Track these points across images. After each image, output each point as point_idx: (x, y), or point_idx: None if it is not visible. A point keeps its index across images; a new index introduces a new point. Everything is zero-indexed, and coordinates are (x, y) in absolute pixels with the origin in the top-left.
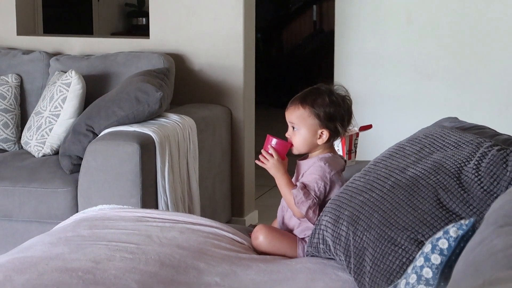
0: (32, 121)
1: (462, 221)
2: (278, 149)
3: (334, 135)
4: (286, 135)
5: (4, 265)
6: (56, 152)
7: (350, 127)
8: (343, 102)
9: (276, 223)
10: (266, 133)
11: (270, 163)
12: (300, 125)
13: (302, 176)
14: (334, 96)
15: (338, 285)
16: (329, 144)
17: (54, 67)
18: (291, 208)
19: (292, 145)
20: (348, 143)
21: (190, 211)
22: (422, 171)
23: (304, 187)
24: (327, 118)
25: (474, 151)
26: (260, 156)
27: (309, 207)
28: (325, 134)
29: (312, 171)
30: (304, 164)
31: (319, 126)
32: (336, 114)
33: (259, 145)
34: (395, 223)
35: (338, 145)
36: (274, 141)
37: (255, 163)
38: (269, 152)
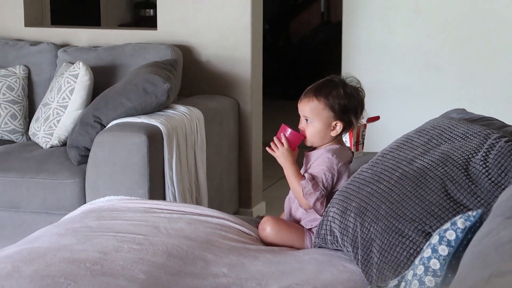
0: (39, 112)
1: (470, 213)
2: (291, 139)
3: (347, 127)
4: (299, 127)
5: (12, 256)
6: (64, 144)
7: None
8: (357, 94)
9: (284, 215)
10: (273, 124)
11: (280, 151)
12: (314, 118)
13: (309, 167)
14: (348, 88)
15: (346, 276)
16: (339, 135)
17: (62, 58)
18: (298, 199)
19: (305, 137)
20: (355, 134)
21: (198, 202)
22: (430, 163)
23: (313, 178)
24: (341, 110)
25: (482, 142)
26: (271, 143)
27: (317, 199)
28: (339, 126)
29: (319, 162)
30: (312, 156)
31: (333, 118)
32: (351, 106)
33: (267, 136)
34: (403, 214)
35: (345, 137)
36: (288, 131)
37: (266, 150)
38: (281, 140)
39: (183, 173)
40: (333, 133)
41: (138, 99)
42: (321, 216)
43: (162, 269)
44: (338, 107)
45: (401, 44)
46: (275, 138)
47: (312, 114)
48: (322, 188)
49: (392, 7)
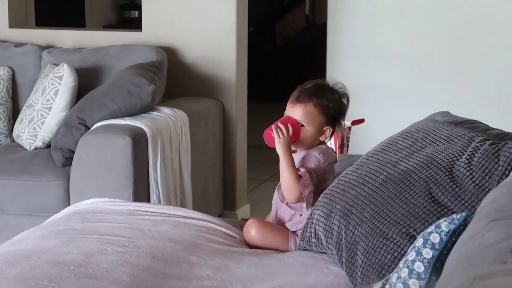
0: (24, 114)
1: (454, 216)
2: (294, 132)
3: (333, 131)
4: None
5: None
6: (48, 145)
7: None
8: (346, 99)
9: (269, 218)
10: (258, 126)
11: (285, 138)
12: (309, 122)
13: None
14: (338, 93)
15: (330, 279)
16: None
17: (46, 60)
18: (288, 191)
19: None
20: (340, 137)
21: (182, 204)
22: (414, 165)
23: (307, 172)
24: (333, 116)
25: (466, 145)
26: (276, 128)
27: (310, 191)
28: (328, 131)
29: (307, 160)
30: (298, 156)
31: (325, 123)
32: (342, 112)
33: (252, 138)
34: (387, 217)
35: (330, 139)
36: (294, 123)
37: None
38: (287, 128)
39: (168, 175)
40: (322, 138)
41: (123, 101)
42: (307, 209)
43: (146, 272)
44: (332, 113)
45: (386, 47)
46: (280, 124)
47: (307, 119)
48: (313, 182)
49: (377, 10)
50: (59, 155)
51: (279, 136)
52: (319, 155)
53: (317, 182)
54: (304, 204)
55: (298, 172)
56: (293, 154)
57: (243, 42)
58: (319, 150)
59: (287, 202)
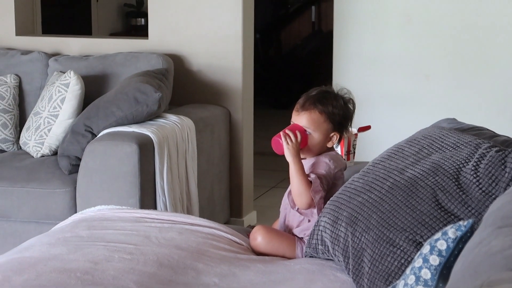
0: (30, 121)
1: (461, 222)
2: (302, 139)
3: (340, 137)
4: None
5: (3, 265)
6: (55, 153)
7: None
8: (352, 105)
9: (276, 225)
10: (264, 133)
11: (294, 144)
12: (315, 129)
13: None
14: (344, 99)
15: (337, 286)
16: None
17: (53, 67)
18: (299, 196)
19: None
20: (346, 144)
21: (189, 211)
22: (421, 172)
23: (317, 178)
24: (340, 122)
25: (473, 152)
26: (285, 135)
27: (321, 197)
28: (335, 138)
29: (318, 166)
30: (307, 162)
31: (332, 130)
32: (348, 118)
33: (258, 145)
34: (394, 224)
35: (337, 146)
36: (303, 131)
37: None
38: (296, 135)
39: (174, 183)
40: (329, 144)
41: (129, 108)
42: (318, 215)
43: (153, 279)
44: (338, 119)
45: (392, 54)
46: (288, 132)
47: (314, 126)
48: (324, 188)
49: (383, 17)
50: (66, 163)
51: (287, 143)
52: (329, 161)
53: (327, 188)
54: (315, 210)
55: (309, 178)
56: (302, 161)
57: (249, 49)
58: (329, 156)
59: (297, 208)
